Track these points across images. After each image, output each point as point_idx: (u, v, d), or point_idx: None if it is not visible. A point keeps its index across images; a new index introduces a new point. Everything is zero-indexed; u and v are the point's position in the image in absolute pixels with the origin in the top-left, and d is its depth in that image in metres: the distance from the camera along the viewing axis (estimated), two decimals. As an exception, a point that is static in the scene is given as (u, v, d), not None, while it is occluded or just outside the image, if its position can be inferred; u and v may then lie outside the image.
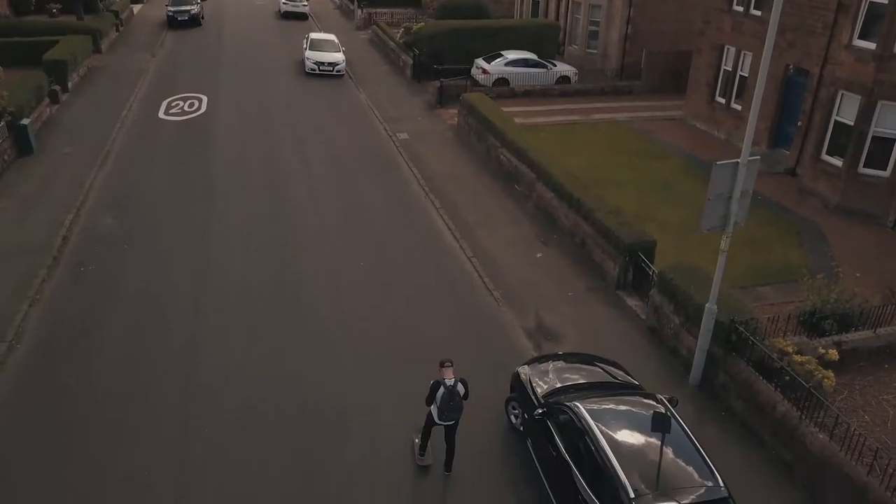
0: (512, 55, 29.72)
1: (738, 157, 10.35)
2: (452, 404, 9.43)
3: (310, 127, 24.74)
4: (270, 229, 17.18)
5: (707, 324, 11.33)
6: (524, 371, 10.95)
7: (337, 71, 31.16)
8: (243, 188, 19.41)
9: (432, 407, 9.68)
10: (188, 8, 40.70)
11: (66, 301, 13.79)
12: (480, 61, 29.71)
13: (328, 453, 10.43)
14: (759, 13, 22.82)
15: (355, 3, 44.33)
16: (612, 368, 11.12)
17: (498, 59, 29.50)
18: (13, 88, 21.61)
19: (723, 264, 11.06)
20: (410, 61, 31.27)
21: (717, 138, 25.08)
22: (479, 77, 29.20)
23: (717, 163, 10.35)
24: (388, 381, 11.94)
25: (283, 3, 45.15)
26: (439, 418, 9.68)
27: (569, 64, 31.64)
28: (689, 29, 31.22)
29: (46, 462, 9.99)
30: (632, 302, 14.44)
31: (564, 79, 30.07)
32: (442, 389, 9.43)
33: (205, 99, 26.83)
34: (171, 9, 40.59)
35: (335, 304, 14.17)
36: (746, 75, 23.77)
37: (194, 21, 40.81)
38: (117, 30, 38.30)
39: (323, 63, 31.00)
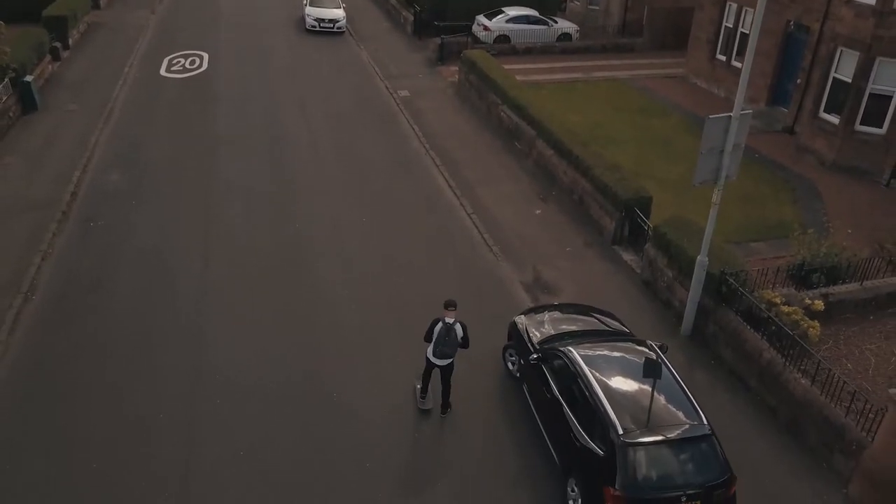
0: (513, 11, 29.52)
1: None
2: (447, 340, 9.97)
3: (310, 83, 24.80)
4: (273, 185, 17.49)
5: (698, 275, 11.73)
6: (521, 320, 11.39)
7: (337, 28, 30.99)
8: (246, 144, 19.64)
9: (429, 346, 10.20)
10: (186, -37, 40.17)
11: (76, 255, 14.19)
12: (482, 18, 29.54)
13: (332, 401, 10.94)
14: (762, -32, 22.63)
15: (355, -43, 43.62)
16: (607, 318, 11.56)
17: (499, 16, 29.32)
18: (14, 45, 21.63)
19: (714, 217, 11.41)
20: (411, 18, 31.06)
21: (717, 96, 25.13)
22: (481, 34, 29.06)
23: (710, 116, 10.61)
24: (391, 331, 12.41)
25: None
26: (433, 354, 10.20)
27: (570, 21, 31.42)
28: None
29: (59, 406, 10.52)
30: (627, 256, 14.83)
31: (566, 36, 29.93)
32: (440, 325, 10.02)
33: (206, 56, 26.80)
34: (169, -37, 40.07)
35: (338, 257, 14.58)
36: (748, 32, 23.66)
37: (193, -23, 40.29)
38: (115, -14, 37.87)
39: (323, 20, 30.80)
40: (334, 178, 17.92)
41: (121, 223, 15.34)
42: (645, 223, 14.38)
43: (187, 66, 25.75)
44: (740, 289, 11.54)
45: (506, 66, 24.02)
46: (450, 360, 10.32)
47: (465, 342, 10.15)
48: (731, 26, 24.58)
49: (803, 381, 10.47)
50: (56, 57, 25.31)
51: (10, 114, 19.77)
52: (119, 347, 11.73)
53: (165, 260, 14.15)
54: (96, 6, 32.83)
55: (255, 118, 21.53)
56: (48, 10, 26.58)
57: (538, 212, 16.60)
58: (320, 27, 30.85)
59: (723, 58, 25.12)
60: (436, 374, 10.49)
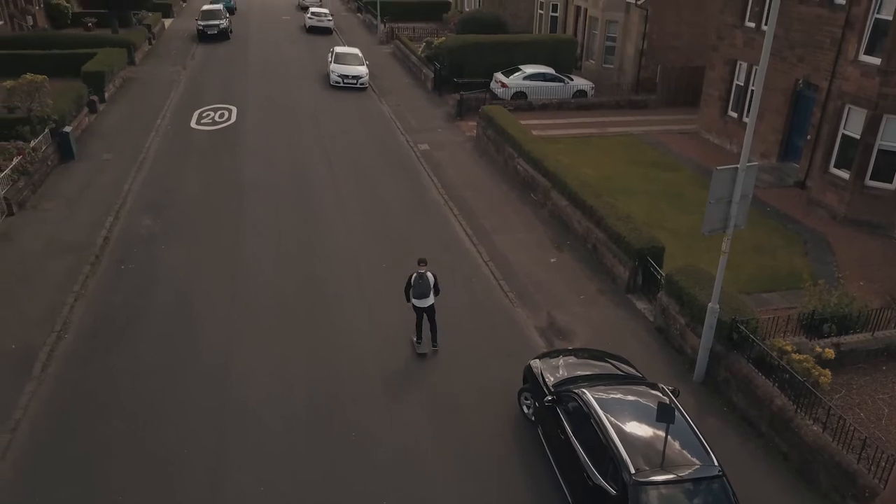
0: (530, 69, 30.61)
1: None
2: (421, 283, 12.85)
3: (334, 136, 25.76)
4: (297, 230, 18.12)
5: (710, 322, 12.00)
6: (536, 364, 11.69)
7: (360, 84, 32.27)
8: (272, 192, 20.40)
9: (411, 295, 12.95)
10: (217, 22, 42.23)
11: (108, 295, 14.77)
12: (499, 75, 30.64)
13: (352, 440, 11.22)
14: (770, 30, 23.48)
15: (378, 17, 45.59)
16: (620, 363, 11.81)
17: (516, 73, 30.40)
18: (56, 98, 22.88)
19: (724, 265, 11.75)
20: (431, 74, 32.28)
21: (729, 151, 25.69)
22: (498, 90, 30.10)
23: (718, 168, 11.07)
24: (410, 367, 12.74)
25: (309, 18, 46.61)
26: (413, 297, 12.97)
27: (585, 78, 32.46)
28: (702, 45, 31.94)
29: (89, 438, 10.89)
30: (641, 305, 15.13)
31: (581, 93, 30.89)
32: (414, 275, 12.93)
33: (234, 110, 28.00)
34: (201, 23, 42.13)
35: (359, 300, 15.02)
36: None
37: (223, 35, 42.31)
38: (150, 43, 39.85)
39: (347, 76, 32.13)
40: (356, 225, 18.53)
41: (151, 266, 15.97)
42: (658, 272, 14.72)
43: (216, 118, 26.90)
44: (751, 336, 11.79)
45: (522, 122, 24.84)
46: (430, 303, 13.01)
47: (436, 288, 13.02)
48: (741, 84, 25.33)
49: (815, 428, 10.60)
50: (93, 109, 26.61)
51: (49, 162, 20.77)
52: (147, 384, 12.14)
53: (193, 300, 14.69)
54: (131, 62, 34.55)
55: (281, 168, 22.39)
56: (87, 65, 28.10)
57: (553, 260, 17.02)
58: (344, 83, 32.15)
59: (734, 114, 25.79)
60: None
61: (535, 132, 24.32)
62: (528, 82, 30.12)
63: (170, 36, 43.63)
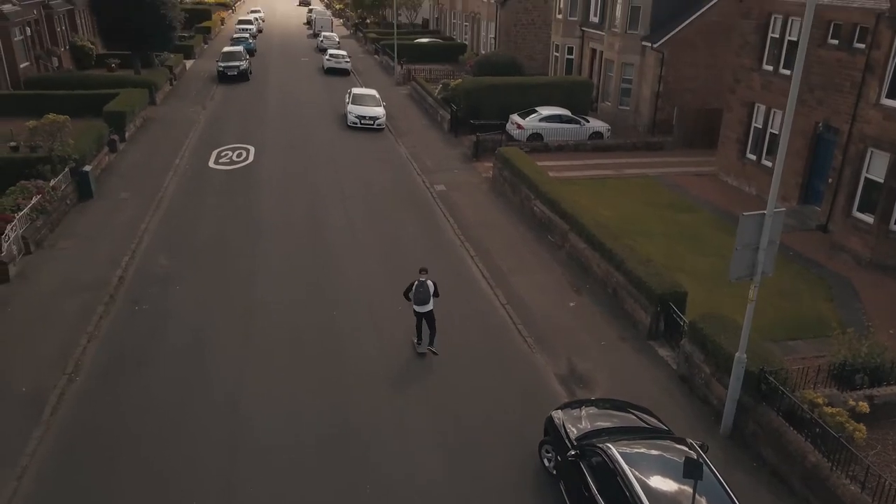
0: (546, 111, 30.71)
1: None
2: (421, 290, 13.83)
3: (351, 177, 25.81)
4: (313, 270, 17.97)
5: (737, 373, 11.59)
6: (558, 415, 11.29)
7: (377, 124, 32.50)
8: (288, 233, 20.33)
9: (412, 298, 13.94)
10: (237, 63, 42.99)
11: (121, 336, 14.60)
12: (515, 117, 30.75)
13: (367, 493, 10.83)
14: (788, 72, 23.44)
15: (395, 59, 46.23)
16: (644, 415, 11.39)
17: (532, 115, 30.50)
18: (77, 137, 23.14)
19: (751, 313, 11.39)
20: (448, 116, 32.48)
21: (748, 194, 25.44)
22: (514, 132, 30.17)
23: (744, 214, 10.81)
24: (423, 413, 12.38)
25: (327, 60, 47.37)
26: (414, 303, 13.93)
27: (601, 120, 32.50)
28: (719, 87, 31.95)
29: (99, 483, 10.58)
30: (663, 352, 14.72)
31: (597, 134, 30.89)
32: (416, 282, 13.90)
33: (252, 149, 28.21)
34: (222, 64, 42.92)
35: (374, 343, 14.74)
36: (777, 133, 24.24)
37: (243, 76, 43.02)
38: (171, 83, 40.56)
39: (364, 117, 32.40)
40: (372, 267, 18.34)
41: (165, 306, 15.83)
42: (681, 318, 14.35)
43: (234, 158, 27.09)
44: (781, 387, 11.35)
45: (539, 163, 24.79)
46: (429, 308, 13.98)
47: (436, 293, 14.02)
48: (759, 127, 25.19)
49: (852, 488, 10.08)
50: (113, 148, 26.90)
51: (68, 201, 20.88)
52: (157, 427, 11.86)
53: (206, 342, 14.47)
54: (152, 102, 35.10)
55: (298, 207, 22.37)
56: (109, 105, 28.53)
57: (572, 304, 16.69)
58: (361, 124, 32.41)
59: (753, 157, 25.59)
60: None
61: (551, 174, 24.22)
62: (544, 124, 30.18)
63: (191, 76, 44.43)
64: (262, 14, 76.33)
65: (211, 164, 26.39)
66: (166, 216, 21.20)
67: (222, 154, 27.56)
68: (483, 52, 51.32)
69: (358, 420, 12.34)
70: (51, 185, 19.76)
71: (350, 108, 32.92)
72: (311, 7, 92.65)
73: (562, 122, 30.49)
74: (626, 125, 33.25)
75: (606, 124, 31.57)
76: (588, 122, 31.09)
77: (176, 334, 14.73)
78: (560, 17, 39.58)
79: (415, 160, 28.32)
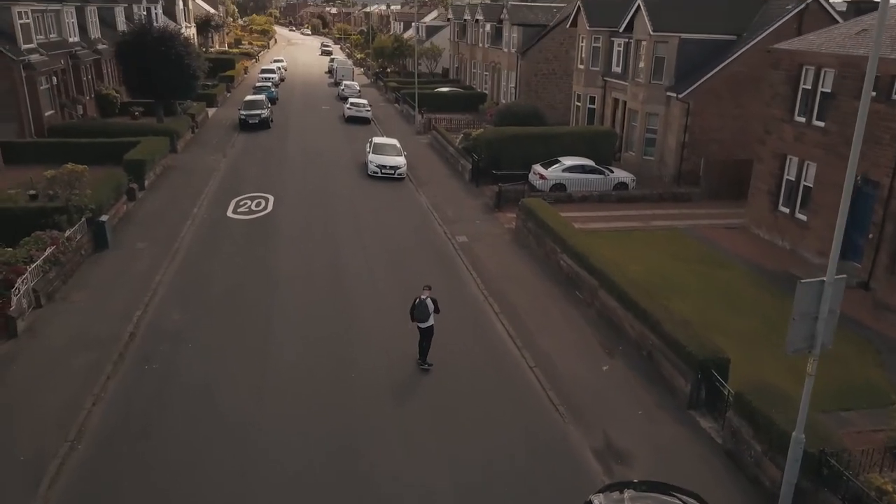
0: (569, 161, 30.18)
1: (807, 268, 9.97)
2: (420, 308, 14.75)
3: (371, 227, 25.26)
4: (331, 330, 17.18)
5: (794, 454, 10.54)
6: (598, 500, 10.27)
7: (398, 174, 32.14)
8: (306, 286, 19.66)
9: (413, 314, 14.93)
10: (259, 112, 43.24)
11: (128, 399, 13.83)
12: (538, 167, 30.23)
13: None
14: (821, 124, 22.76)
15: (416, 108, 46.30)
16: (691, 499, 10.34)
17: (555, 165, 29.97)
18: (95, 186, 22.89)
19: (810, 389, 10.41)
20: (469, 165, 32.06)
21: (781, 248, 24.49)
22: (537, 182, 29.60)
23: (802, 281, 9.94)
24: (445, 490, 11.40)
25: (348, 108, 47.57)
26: (414, 319, 14.91)
27: (626, 170, 31.90)
28: (745, 137, 31.39)
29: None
30: (706, 423, 13.66)
31: (622, 185, 30.24)
32: (417, 300, 14.83)
33: (271, 198, 27.85)
34: (243, 112, 43.18)
35: (396, 408, 13.85)
36: (811, 185, 23.42)
37: (264, 124, 43.21)
38: (193, 131, 40.77)
39: (385, 166, 32.07)
40: (393, 323, 17.53)
41: (176, 366, 15.08)
42: (724, 386, 13.34)
43: (253, 207, 26.70)
44: (845, 472, 10.28)
45: (563, 214, 24.09)
46: (428, 324, 14.94)
47: (436, 309, 14.99)
48: (792, 179, 24.38)
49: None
50: (132, 197, 26.66)
51: (83, 251, 20.45)
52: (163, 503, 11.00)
53: (216, 405, 13.66)
54: (173, 150, 35.13)
55: (317, 258, 21.77)
56: (129, 154, 28.42)
57: (605, 367, 15.72)
58: (382, 173, 32.06)
59: (786, 210, 24.72)
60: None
61: (576, 225, 23.51)
62: (567, 174, 29.61)
63: (213, 124, 44.73)
64: (284, 63, 77.65)
65: (229, 213, 26.00)
66: (182, 267, 20.67)
67: (241, 203, 27.20)
68: (503, 101, 51.39)
69: (376, 481, 11.37)
70: (66, 235, 19.35)
71: (371, 157, 32.66)
72: (332, 56, 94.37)
73: (585, 172, 29.91)
74: (651, 176, 32.60)
75: (631, 175, 30.94)
76: (612, 172, 30.48)
77: (185, 398, 13.93)
78: (582, 67, 39.47)
79: (436, 210, 27.77)
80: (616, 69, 37.28)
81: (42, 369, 14.61)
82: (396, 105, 55.95)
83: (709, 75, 30.70)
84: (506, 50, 50.35)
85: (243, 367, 15.13)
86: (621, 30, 34.22)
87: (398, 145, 34.13)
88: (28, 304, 16.80)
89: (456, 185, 31.85)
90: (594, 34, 38.05)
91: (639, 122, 33.42)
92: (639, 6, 32.26)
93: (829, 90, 22.41)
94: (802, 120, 23.69)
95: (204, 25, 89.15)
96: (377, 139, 34.78)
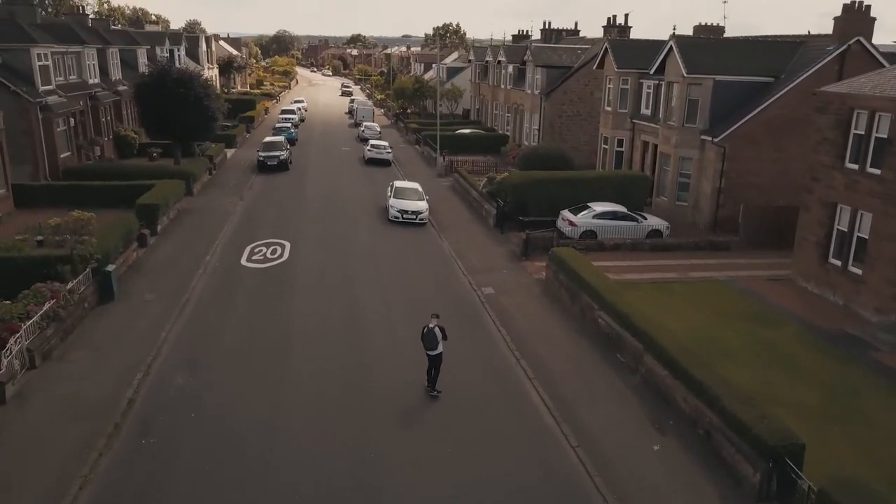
0: (600, 207, 28.71)
1: (864, 327, 8.23)
2: (429, 336, 15.13)
3: (392, 276, 23.84)
4: (349, 395, 15.63)
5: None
6: None
7: (420, 219, 30.85)
8: (322, 345, 18.19)
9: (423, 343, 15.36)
10: (277, 154, 42.45)
11: (120, 482, 12.29)
12: (567, 213, 28.79)
13: None
14: (877, 171, 21.16)
15: (437, 150, 45.30)
16: None
17: (585, 211, 28.51)
18: (103, 233, 21.77)
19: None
20: (493, 211, 30.71)
21: (832, 303, 22.67)
22: (566, 229, 28.12)
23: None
24: None
25: (368, 150, 46.70)
26: (424, 348, 15.30)
27: (657, 216, 30.36)
28: (786, 182, 29.85)
29: None
30: (779, 519, 11.83)
31: (656, 232, 28.66)
32: (426, 329, 15.19)
33: (287, 245, 26.59)
34: (262, 154, 42.41)
35: (417, 491, 12.16)
36: (866, 237, 21.70)
37: (283, 166, 42.38)
38: (210, 173, 39.98)
39: (406, 211, 30.80)
40: (414, 390, 15.94)
41: (175, 441, 13.55)
42: (801, 477, 11.54)
43: (269, 255, 25.43)
44: None
45: (595, 263, 22.58)
46: (437, 352, 15.31)
47: (444, 337, 15.34)
48: (844, 229, 22.67)
49: None
50: (143, 243, 25.54)
51: (86, 304, 19.18)
52: None
53: (223, 491, 12.07)
54: (189, 192, 34.21)
55: (334, 313, 20.32)
56: (142, 198, 27.41)
57: (656, 447, 13.94)
58: (403, 218, 30.79)
59: (837, 262, 22.94)
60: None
61: (609, 275, 21.92)
62: (598, 221, 28.12)
63: (231, 165, 44.00)
64: (305, 104, 77.67)
65: (243, 261, 24.72)
66: (190, 322, 19.30)
67: (256, 250, 25.95)
68: (526, 143, 50.34)
69: None
70: (68, 287, 18.12)
71: (392, 201, 31.42)
72: (352, 97, 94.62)
73: (617, 219, 28.40)
74: (685, 222, 31.00)
75: (665, 222, 29.37)
76: (646, 219, 28.93)
77: (184, 481, 12.37)
78: (609, 109, 38.30)
79: (460, 258, 26.32)
80: (645, 111, 36.05)
81: (27, 444, 13.16)
82: (417, 147, 55.11)
83: (746, 118, 29.32)
84: (529, 91, 49.49)
85: (249, 445, 13.54)
86: (652, 71, 33.07)
87: (420, 189, 32.92)
88: (21, 365, 15.45)
89: (480, 231, 30.45)
90: (622, 76, 36.96)
91: (671, 167, 31.98)
92: (671, 48, 31.12)
93: (885, 136, 20.86)
94: (855, 167, 22.10)
95: (226, 67, 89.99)
96: (398, 183, 33.60)
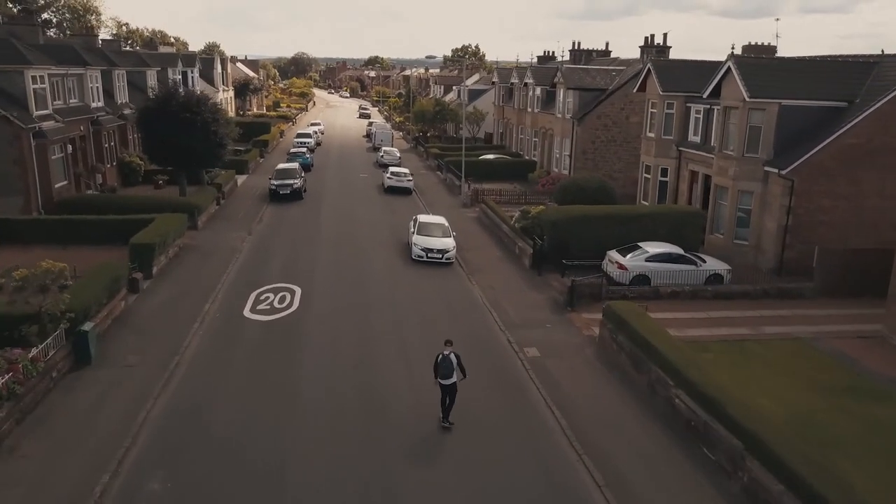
0: (652, 248, 25.25)
1: None
2: (444, 364, 14.52)
3: (417, 331, 20.49)
4: (367, 490, 12.25)
5: None
6: None
7: (446, 258, 27.56)
8: (337, 423, 14.88)
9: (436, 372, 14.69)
10: (291, 182, 39.53)
11: None
12: (615, 254, 25.35)
13: None
14: None
15: (462, 178, 42.13)
16: None
17: (635, 252, 25.05)
18: (83, 284, 18.70)
19: None
20: (529, 249, 27.36)
21: (942, 368, 18.97)
22: (614, 273, 24.68)
23: None
24: None
25: (388, 178, 43.66)
26: (439, 377, 14.58)
27: (712, 255, 26.82)
28: (863, 221, 26.32)
29: None
30: None
31: (716, 277, 25.10)
32: (440, 356, 14.60)
33: (298, 292, 23.36)
34: (275, 182, 39.50)
35: None
36: None
37: (296, 195, 39.44)
38: (218, 202, 37.08)
39: (431, 250, 27.53)
40: (447, 493, 12.51)
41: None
42: None
43: (276, 304, 22.20)
44: None
45: (651, 314, 19.15)
46: (451, 381, 14.57)
47: (461, 368, 14.68)
48: (956, 282, 19.06)
49: None
50: (134, 288, 22.48)
51: (55, 373, 16.01)
52: None
53: None
54: (193, 226, 31.24)
55: (350, 382, 16.99)
56: (137, 237, 24.39)
57: None
58: (428, 258, 27.50)
59: (947, 320, 19.30)
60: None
61: (671, 331, 18.58)
62: (651, 264, 24.64)
63: (241, 194, 41.10)
64: (321, 127, 75.13)
65: (247, 312, 21.47)
66: (177, 396, 16.02)
67: (262, 297, 22.74)
68: (556, 170, 47.08)
69: None
70: (30, 356, 14.96)
71: (415, 238, 28.15)
72: (370, 120, 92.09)
73: (673, 261, 24.91)
74: (745, 263, 27.38)
75: (725, 265, 25.81)
76: (704, 261, 25.41)
77: None
78: (652, 135, 34.94)
79: (494, 307, 22.92)
80: (694, 138, 32.69)
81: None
82: (439, 173, 52.03)
83: (817, 148, 25.82)
84: (559, 115, 46.31)
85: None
86: (705, 95, 29.70)
87: (446, 224, 29.64)
88: (-43, 464, 12.24)
89: (514, 272, 27.06)
90: (667, 99, 33.66)
91: (728, 201, 28.46)
92: (730, 69, 27.77)
93: None
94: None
95: (242, 89, 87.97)
96: (422, 217, 30.27)
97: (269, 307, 21.94)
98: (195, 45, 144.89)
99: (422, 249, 27.57)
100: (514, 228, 30.13)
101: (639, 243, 25.80)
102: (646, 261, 24.73)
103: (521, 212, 30.18)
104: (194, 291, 22.96)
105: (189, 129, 32.99)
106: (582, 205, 28.54)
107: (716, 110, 30.10)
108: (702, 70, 33.03)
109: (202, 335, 19.56)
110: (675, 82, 33.55)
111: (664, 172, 34.69)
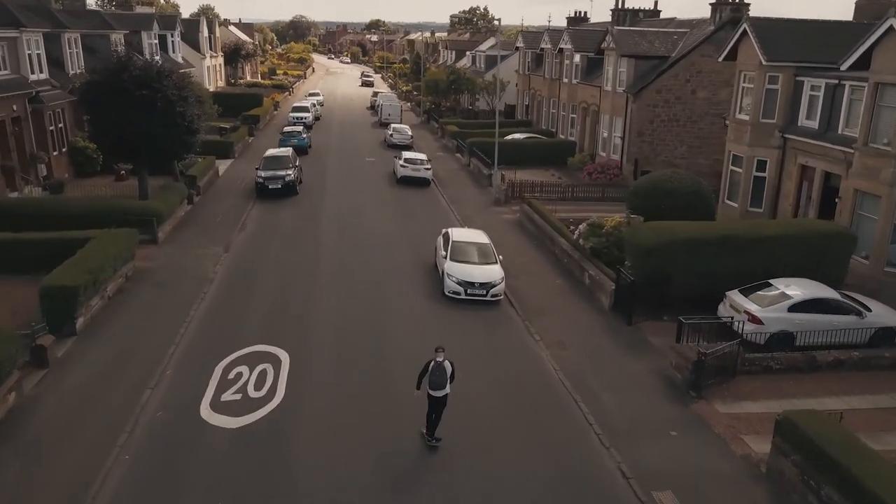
0: (795, 290, 17.60)
1: None
2: (438, 372, 12.55)
3: (459, 432, 13.03)
4: None
5: None
6: None
7: (492, 296, 19.88)
8: None
9: (425, 380, 12.63)
10: (282, 173, 31.73)
11: None
12: (739, 298, 17.73)
13: None
14: None
15: (494, 167, 34.21)
16: None
17: (772, 297, 17.42)
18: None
19: None
20: (608, 282, 19.73)
21: None
22: (747, 327, 16.96)
23: None
24: None
25: (402, 166, 35.70)
26: (429, 387, 12.63)
27: (859, 292, 19.24)
28: None
29: None
30: None
31: (887, 333, 17.51)
32: (432, 363, 12.59)
33: (284, 360, 15.82)
34: (262, 174, 31.71)
35: None
36: None
37: (289, 189, 31.71)
38: (191, 201, 29.39)
39: (473, 283, 19.74)
40: None
41: None
42: None
43: (250, 389, 14.64)
44: None
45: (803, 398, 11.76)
46: (444, 393, 12.67)
47: (452, 377, 12.75)
48: None
49: None
50: (41, 362, 14.99)
51: None
52: None
53: None
54: (153, 239, 23.65)
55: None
56: (51, 277, 16.75)
57: None
58: (466, 295, 19.79)
59: None
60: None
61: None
62: (797, 315, 17.04)
63: (222, 187, 33.34)
64: (320, 97, 66.83)
65: (204, 409, 13.88)
66: None
67: (230, 376, 15.18)
68: (602, 154, 39.15)
69: None
70: None
71: (448, 266, 20.30)
72: (375, 90, 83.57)
73: (827, 311, 17.30)
74: (901, 300, 19.78)
75: None
76: (870, 310, 17.73)
77: None
78: (745, 118, 26.98)
79: (575, 386, 15.42)
80: (807, 122, 24.81)
81: None
82: (458, 156, 44.10)
83: None
84: (608, 88, 38.16)
85: None
86: (844, 67, 21.70)
87: (488, 242, 21.75)
88: None
89: (590, 317, 19.42)
90: (770, 71, 25.65)
91: (881, 215, 20.71)
92: (890, 28, 19.79)
93: None
94: None
95: (233, 55, 79.13)
96: (456, 234, 21.98)
97: (240, 394, 14.41)
98: (190, 9, 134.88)
99: (458, 283, 19.78)
100: (578, 246, 22.43)
101: (770, 280, 18.17)
102: (788, 311, 17.10)
103: (588, 225, 22.34)
104: (132, 362, 15.47)
105: (146, 110, 24.98)
106: (677, 221, 20.44)
107: (850, 88, 22.20)
108: (821, 32, 25.08)
109: (127, 463, 12.03)
110: (783, 48, 25.49)
111: (761, 166, 26.83)
